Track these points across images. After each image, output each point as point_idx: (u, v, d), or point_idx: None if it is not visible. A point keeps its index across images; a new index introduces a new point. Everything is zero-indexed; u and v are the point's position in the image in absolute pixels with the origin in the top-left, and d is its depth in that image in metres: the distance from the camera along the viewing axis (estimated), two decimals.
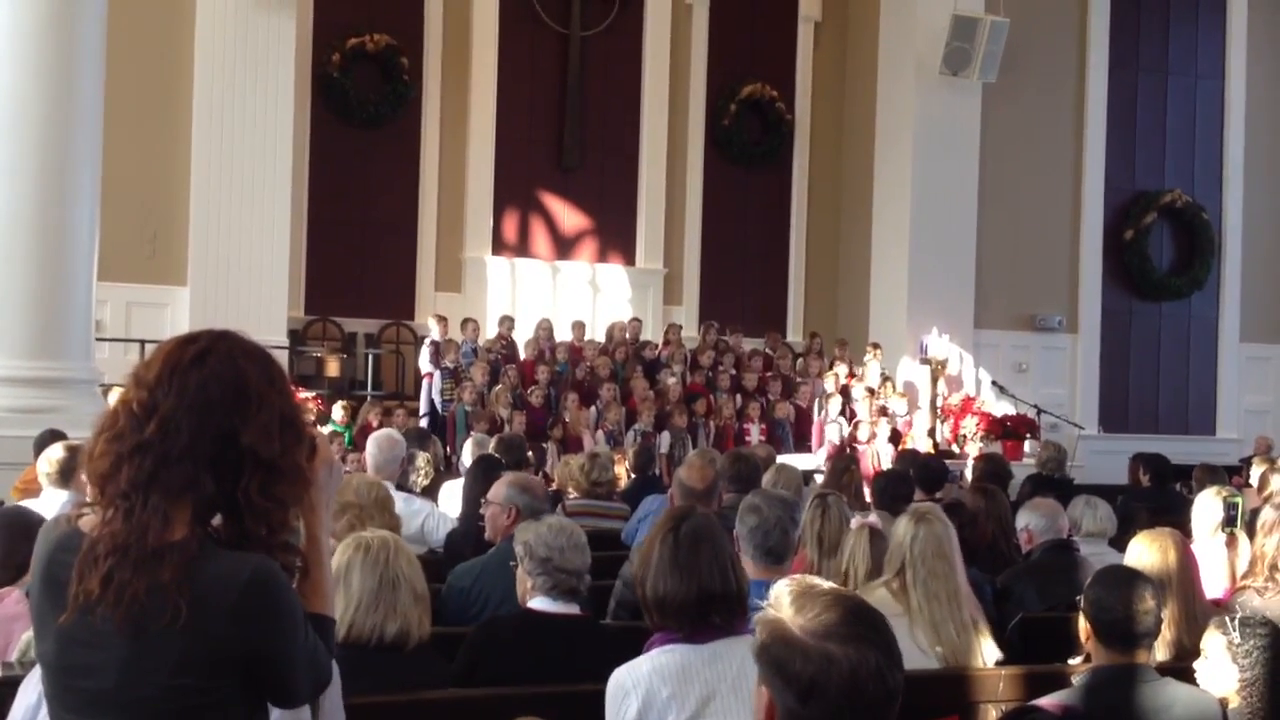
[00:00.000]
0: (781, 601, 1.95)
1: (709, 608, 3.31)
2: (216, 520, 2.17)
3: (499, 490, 5.30)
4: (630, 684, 3.24)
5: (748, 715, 3.17)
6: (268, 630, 2.10)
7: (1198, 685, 3.52)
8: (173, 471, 2.10)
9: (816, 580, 2.00)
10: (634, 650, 3.42)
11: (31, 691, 2.80)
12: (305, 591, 2.28)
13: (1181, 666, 3.74)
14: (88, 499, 2.20)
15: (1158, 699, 3.43)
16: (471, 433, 10.96)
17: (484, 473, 6.12)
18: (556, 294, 16.42)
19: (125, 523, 2.08)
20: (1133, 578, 3.60)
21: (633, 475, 9.49)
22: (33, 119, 9.14)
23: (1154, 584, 3.62)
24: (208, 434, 2.11)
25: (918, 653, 4.04)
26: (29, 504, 6.19)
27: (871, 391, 14.96)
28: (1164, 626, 4.11)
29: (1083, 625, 3.61)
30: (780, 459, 8.46)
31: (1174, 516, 6.24)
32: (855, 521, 4.55)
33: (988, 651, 4.24)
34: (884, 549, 4.44)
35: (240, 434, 2.13)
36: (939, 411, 15.53)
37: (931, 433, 14.90)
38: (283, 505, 2.17)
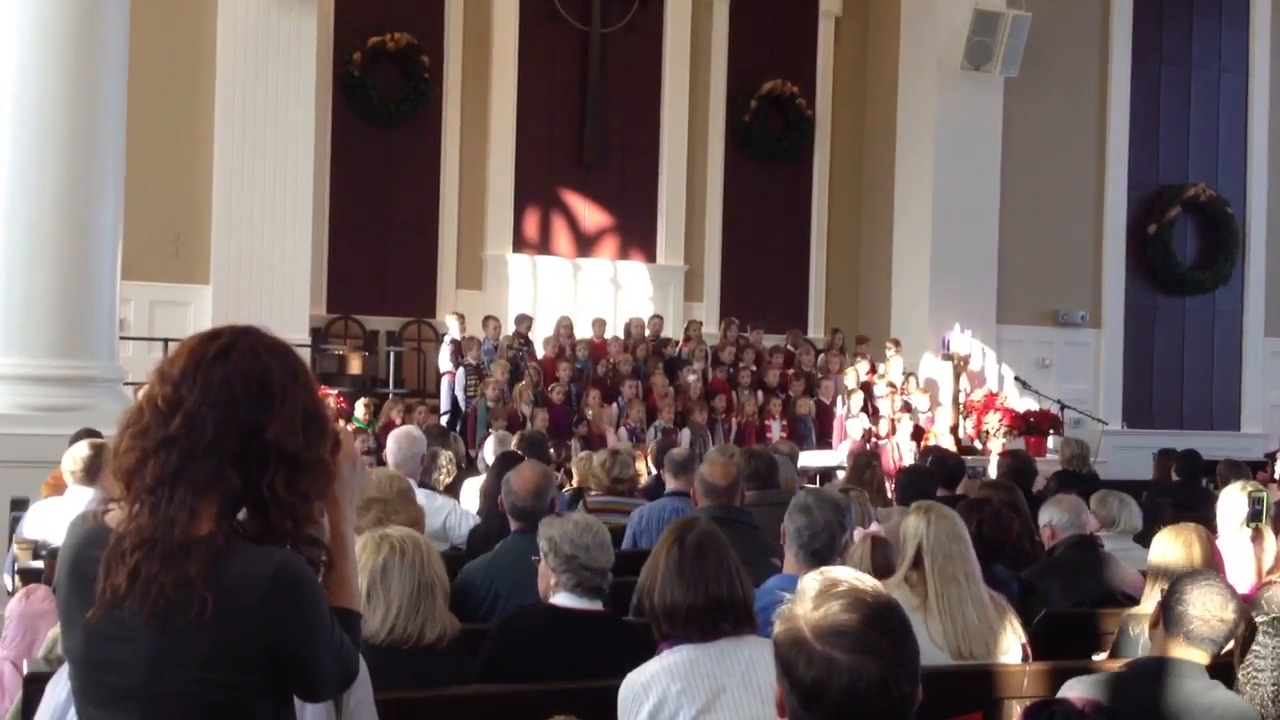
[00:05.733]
0: (805, 594, 1.94)
1: (718, 615, 3.33)
2: (242, 514, 2.17)
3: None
4: (641, 685, 3.26)
5: (758, 707, 3.19)
6: (294, 625, 2.11)
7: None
8: (198, 466, 2.10)
9: (847, 575, 1.97)
10: (655, 647, 3.43)
11: (61, 689, 2.81)
12: (330, 585, 2.29)
13: (1209, 664, 3.71)
14: (114, 496, 2.21)
15: (1202, 699, 3.40)
16: (491, 430, 10.99)
17: (507, 470, 6.11)
18: (577, 291, 16.43)
19: (151, 517, 2.09)
20: (1224, 586, 3.58)
21: (653, 472, 9.49)
22: (56, 120, 9.18)
23: (1237, 599, 3.59)
24: (232, 429, 2.12)
25: (931, 647, 4.03)
26: (54, 502, 6.25)
27: (894, 387, 14.92)
28: None
29: (1153, 610, 3.59)
30: (802, 455, 8.46)
31: (1199, 512, 6.22)
32: (859, 534, 4.56)
33: (1010, 637, 4.22)
34: (888, 555, 4.45)
35: (265, 429, 2.13)
36: (961, 407, 15.47)
37: (954, 429, 14.85)
38: (307, 499, 2.18)
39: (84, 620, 2.11)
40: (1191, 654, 3.47)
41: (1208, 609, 3.45)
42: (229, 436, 2.12)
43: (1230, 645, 3.84)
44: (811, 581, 1.96)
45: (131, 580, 2.06)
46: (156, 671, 2.07)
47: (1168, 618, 3.51)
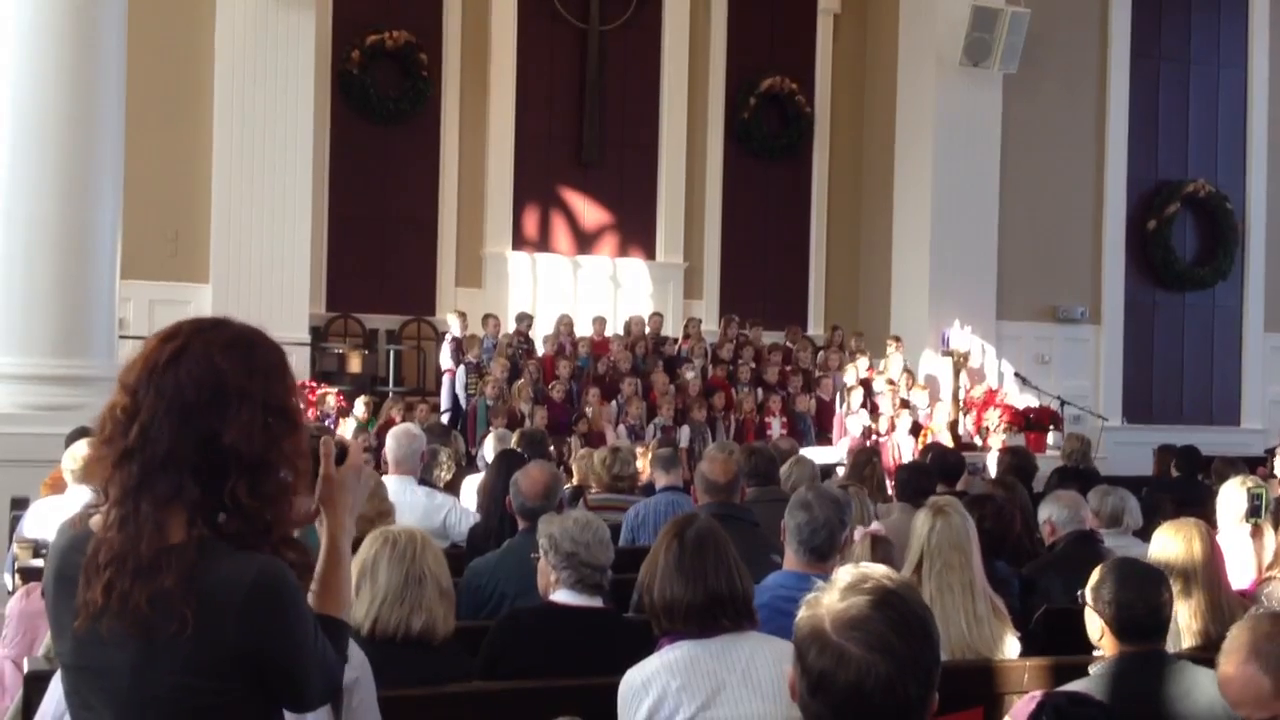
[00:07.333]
0: (835, 584, 1.94)
1: (717, 610, 3.33)
2: (223, 517, 2.14)
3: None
4: (641, 682, 3.26)
5: (758, 703, 3.19)
6: (274, 630, 2.09)
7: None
8: (157, 479, 2.08)
9: (880, 572, 1.97)
10: (656, 643, 3.43)
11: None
12: (320, 592, 2.28)
13: (1209, 657, 3.72)
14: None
15: (1180, 685, 3.43)
16: (491, 428, 10.99)
17: (507, 468, 6.13)
18: (577, 289, 16.42)
19: (121, 531, 2.07)
20: (1148, 571, 3.59)
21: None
22: (54, 119, 9.18)
23: (1164, 573, 3.61)
24: (189, 438, 2.08)
25: None
26: (54, 500, 6.25)
27: (893, 384, 14.93)
28: (1190, 617, 4.11)
29: (1096, 623, 3.59)
30: (802, 452, 8.46)
31: (1199, 507, 6.22)
32: (859, 532, 4.57)
33: (1008, 646, 4.23)
34: (888, 554, 4.45)
35: (221, 435, 2.09)
36: (961, 404, 15.48)
37: (953, 425, 14.85)
38: (275, 501, 2.14)
39: (72, 628, 2.11)
40: (1153, 646, 3.48)
41: (1151, 601, 3.46)
42: (185, 446, 2.08)
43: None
44: (845, 573, 1.97)
45: (106, 595, 2.05)
46: (141, 677, 2.06)
47: (1118, 627, 3.51)
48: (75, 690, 2.17)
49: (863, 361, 15.28)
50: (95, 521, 2.14)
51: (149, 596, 2.03)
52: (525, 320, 14.96)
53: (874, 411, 14.44)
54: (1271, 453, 11.89)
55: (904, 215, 16.89)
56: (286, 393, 2.20)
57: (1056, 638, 4.75)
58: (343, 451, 2.36)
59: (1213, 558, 4.27)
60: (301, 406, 2.27)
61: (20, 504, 7.14)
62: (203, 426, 2.09)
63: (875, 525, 4.71)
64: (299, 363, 13.96)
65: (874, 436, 13.89)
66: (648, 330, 15.24)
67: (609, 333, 15.19)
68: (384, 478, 6.69)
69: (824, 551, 4.26)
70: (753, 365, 14.81)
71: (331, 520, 2.33)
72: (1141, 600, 3.46)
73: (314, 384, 13.50)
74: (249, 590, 2.05)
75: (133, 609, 2.03)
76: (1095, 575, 3.64)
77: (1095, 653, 4.06)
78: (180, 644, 2.04)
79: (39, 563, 5.63)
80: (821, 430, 14.33)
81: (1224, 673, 2.85)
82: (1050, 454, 13.61)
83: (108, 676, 2.09)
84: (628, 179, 16.80)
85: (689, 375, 14.30)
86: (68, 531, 2.22)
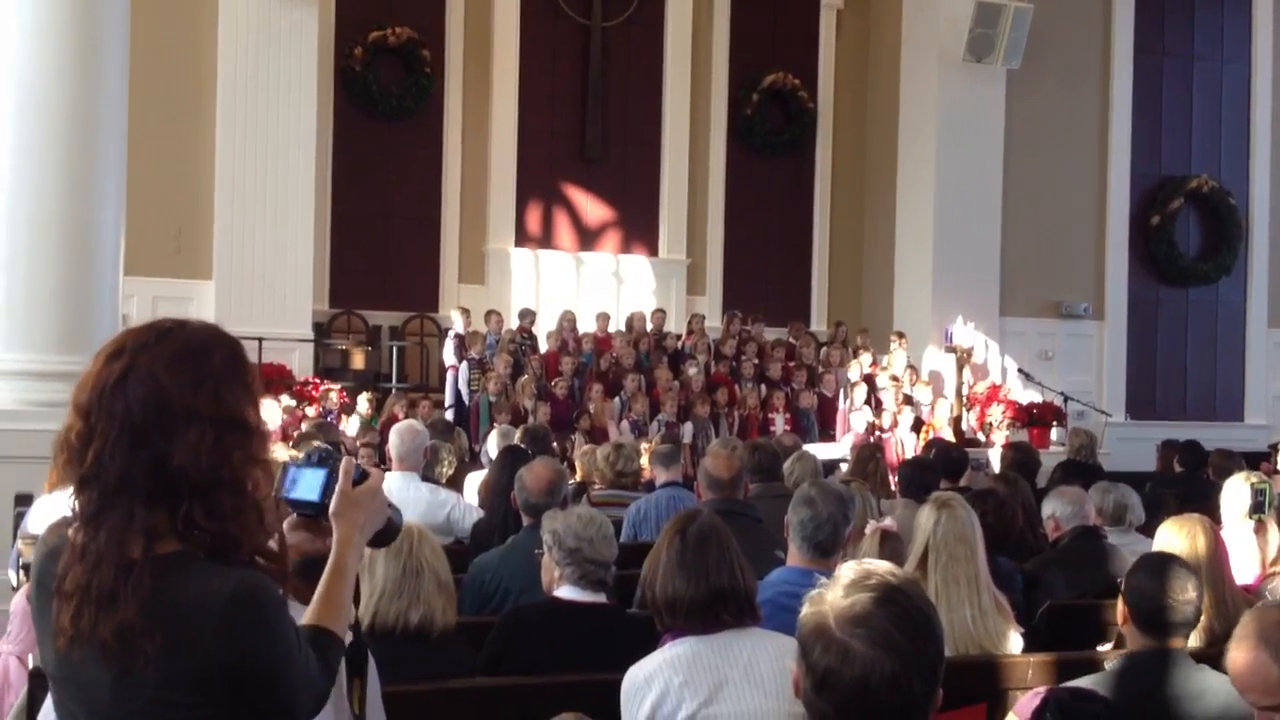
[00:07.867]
0: (838, 581, 1.94)
1: (719, 606, 3.33)
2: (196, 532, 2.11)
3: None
4: (643, 678, 3.26)
5: (760, 699, 3.20)
6: (256, 644, 2.06)
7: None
8: (112, 506, 2.05)
9: (884, 569, 1.96)
10: (659, 639, 3.43)
11: None
12: (318, 603, 2.28)
13: (1214, 653, 3.73)
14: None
15: (1191, 686, 3.42)
16: (495, 424, 11.00)
17: (511, 464, 6.13)
18: (580, 285, 16.42)
19: (82, 561, 2.05)
20: (1175, 566, 3.59)
21: None
22: (57, 116, 9.18)
23: (1196, 574, 3.60)
24: (140, 464, 2.05)
25: None
26: (58, 496, 6.25)
27: (896, 380, 14.92)
28: None
29: (1120, 609, 3.60)
30: (806, 448, 8.46)
31: (1202, 503, 6.21)
32: (870, 526, 4.56)
33: (1011, 642, 4.23)
34: (897, 550, 4.45)
35: (170, 457, 2.05)
36: (965, 400, 15.47)
37: (957, 421, 14.85)
38: (238, 517, 2.10)
39: (52, 644, 2.11)
40: (1169, 641, 3.48)
41: (1169, 595, 3.46)
42: (137, 472, 2.05)
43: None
44: (848, 570, 1.96)
45: (74, 624, 2.04)
46: (119, 694, 2.06)
47: (1134, 615, 3.51)
48: (61, 699, 2.17)
49: (866, 357, 15.28)
50: (71, 533, 2.12)
51: (113, 629, 2.01)
52: (528, 316, 14.96)
53: (877, 407, 14.43)
54: (1275, 448, 11.88)
55: (907, 211, 16.88)
56: (239, 399, 2.14)
57: (1059, 633, 4.75)
58: (363, 474, 2.39)
59: (1217, 553, 4.27)
60: (260, 405, 2.20)
61: (24, 500, 7.15)
62: (153, 449, 2.05)
63: (888, 521, 4.70)
64: (302, 359, 13.98)
65: (877, 432, 13.89)
66: (650, 326, 15.24)
67: (612, 329, 15.19)
68: (387, 474, 6.71)
69: (827, 547, 4.26)
70: (756, 361, 14.81)
71: (340, 534, 2.33)
72: (1159, 593, 3.46)
73: (317, 380, 13.50)
74: (227, 603, 2.02)
75: (100, 641, 2.02)
76: (1136, 562, 3.67)
77: (1101, 647, 4.07)
78: (153, 664, 2.02)
79: None
80: (825, 426, 14.33)
81: (1233, 659, 2.86)
82: (1054, 450, 13.61)
83: (88, 690, 2.08)
84: (630, 175, 16.80)
85: (692, 371, 14.30)
86: (44, 545, 2.20)
